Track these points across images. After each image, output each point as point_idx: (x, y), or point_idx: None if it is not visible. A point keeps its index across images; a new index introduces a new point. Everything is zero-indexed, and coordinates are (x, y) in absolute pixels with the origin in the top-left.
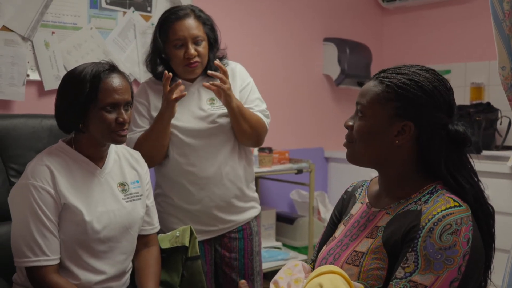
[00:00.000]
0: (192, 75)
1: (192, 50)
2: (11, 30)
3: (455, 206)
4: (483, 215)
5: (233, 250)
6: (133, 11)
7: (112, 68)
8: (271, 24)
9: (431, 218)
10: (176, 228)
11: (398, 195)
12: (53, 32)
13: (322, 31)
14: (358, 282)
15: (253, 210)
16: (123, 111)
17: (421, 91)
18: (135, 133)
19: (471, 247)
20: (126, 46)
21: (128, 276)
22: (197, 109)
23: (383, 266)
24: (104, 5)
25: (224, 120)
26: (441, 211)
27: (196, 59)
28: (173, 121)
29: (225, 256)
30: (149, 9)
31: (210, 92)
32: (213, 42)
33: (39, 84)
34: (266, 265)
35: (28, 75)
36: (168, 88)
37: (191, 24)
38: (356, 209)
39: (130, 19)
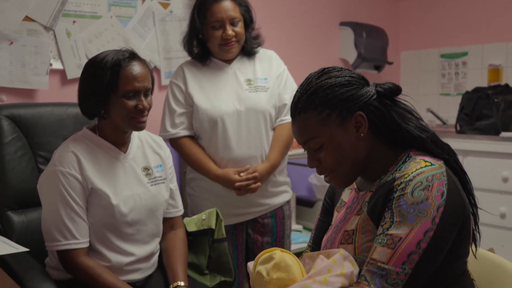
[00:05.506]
0: (229, 55)
1: (229, 31)
2: (34, 20)
3: (426, 166)
4: (457, 166)
5: (266, 234)
6: None
7: (133, 56)
8: (287, 9)
9: (403, 180)
10: None
11: (378, 174)
12: (74, 21)
13: (338, 15)
14: (355, 258)
15: (286, 194)
16: (143, 98)
17: (341, 87)
18: (176, 134)
19: (446, 200)
20: (145, 34)
21: (156, 257)
22: (234, 90)
23: (374, 237)
24: None
25: (262, 103)
26: (412, 172)
27: (233, 39)
28: (210, 102)
29: (257, 241)
30: None
31: (247, 73)
32: (248, 22)
33: (61, 73)
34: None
35: (51, 64)
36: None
37: (228, 6)
38: (347, 196)
39: (149, 7)
